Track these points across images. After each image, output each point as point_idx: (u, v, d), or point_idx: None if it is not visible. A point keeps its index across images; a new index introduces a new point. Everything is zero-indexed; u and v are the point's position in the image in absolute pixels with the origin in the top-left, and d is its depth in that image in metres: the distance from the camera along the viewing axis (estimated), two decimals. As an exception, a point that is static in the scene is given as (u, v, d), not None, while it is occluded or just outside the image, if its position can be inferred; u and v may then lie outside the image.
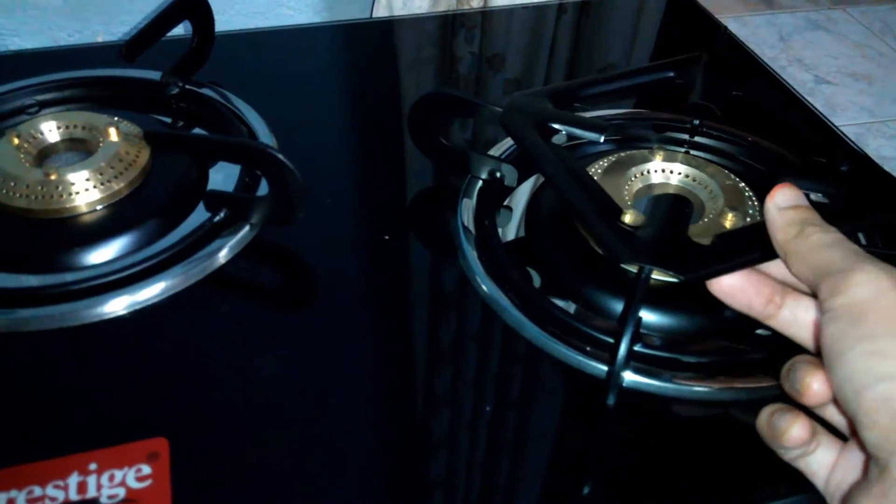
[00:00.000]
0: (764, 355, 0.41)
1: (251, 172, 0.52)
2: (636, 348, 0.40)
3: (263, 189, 0.50)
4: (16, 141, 0.49)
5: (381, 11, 0.79)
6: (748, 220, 0.46)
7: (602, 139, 0.49)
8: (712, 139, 0.56)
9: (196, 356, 0.43)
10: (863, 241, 0.49)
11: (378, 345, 0.45)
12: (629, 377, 0.40)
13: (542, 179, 0.53)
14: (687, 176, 0.50)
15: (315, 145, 0.58)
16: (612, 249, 0.42)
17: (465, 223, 0.49)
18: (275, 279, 0.49)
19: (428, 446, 0.39)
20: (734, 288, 0.31)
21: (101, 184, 0.47)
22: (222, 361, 0.42)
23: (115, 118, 0.52)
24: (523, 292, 0.45)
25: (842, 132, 0.59)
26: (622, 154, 0.51)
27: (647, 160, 0.51)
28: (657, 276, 0.42)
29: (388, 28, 0.74)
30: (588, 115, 0.55)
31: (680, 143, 0.56)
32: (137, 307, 0.44)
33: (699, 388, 0.40)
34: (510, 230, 0.50)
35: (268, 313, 0.46)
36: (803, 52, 1.37)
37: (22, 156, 0.49)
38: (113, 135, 0.50)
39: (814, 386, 0.28)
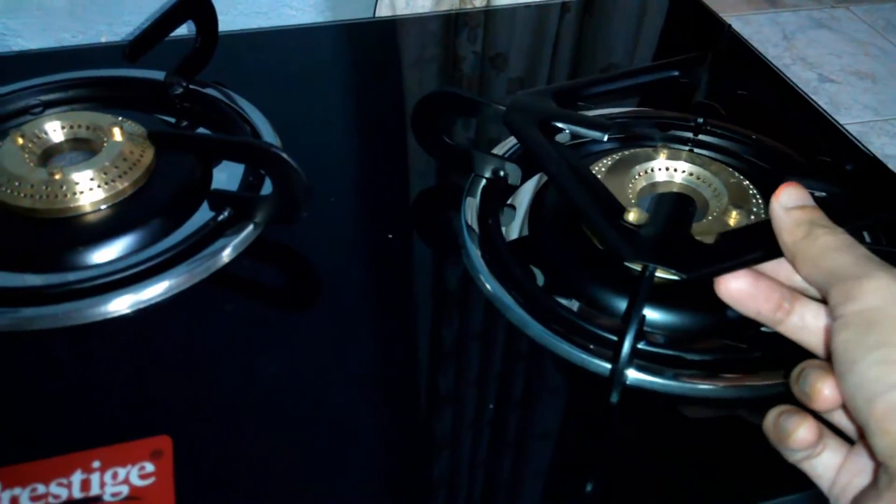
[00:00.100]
0: (767, 353, 0.41)
1: (255, 172, 0.52)
2: (640, 346, 0.40)
3: (267, 188, 0.50)
4: (20, 141, 0.49)
5: (383, 11, 0.79)
6: (752, 218, 0.46)
7: (605, 138, 0.49)
8: (716, 137, 0.56)
9: (199, 355, 0.43)
10: (867, 239, 0.49)
11: (382, 343, 0.45)
12: (633, 375, 0.40)
13: (545, 178, 0.53)
14: (691, 174, 0.50)
15: (318, 144, 0.58)
16: (616, 248, 0.42)
17: (469, 222, 0.49)
18: (278, 278, 0.49)
19: (432, 444, 0.39)
20: (743, 293, 0.31)
21: (106, 183, 0.48)
22: (226, 360, 0.42)
23: (119, 118, 0.52)
24: (527, 291, 0.45)
25: (846, 130, 0.59)
26: (626, 152, 0.51)
27: (650, 158, 0.50)
28: (661, 274, 0.42)
29: (390, 27, 0.74)
30: (591, 113, 0.55)
31: (684, 141, 0.56)
32: (141, 306, 0.44)
33: (703, 386, 0.40)
34: (513, 229, 0.50)
35: (271, 312, 0.46)
36: (807, 51, 1.37)
37: (26, 155, 0.49)
38: (117, 134, 0.50)
39: (825, 391, 0.28)
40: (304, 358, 0.42)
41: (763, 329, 0.43)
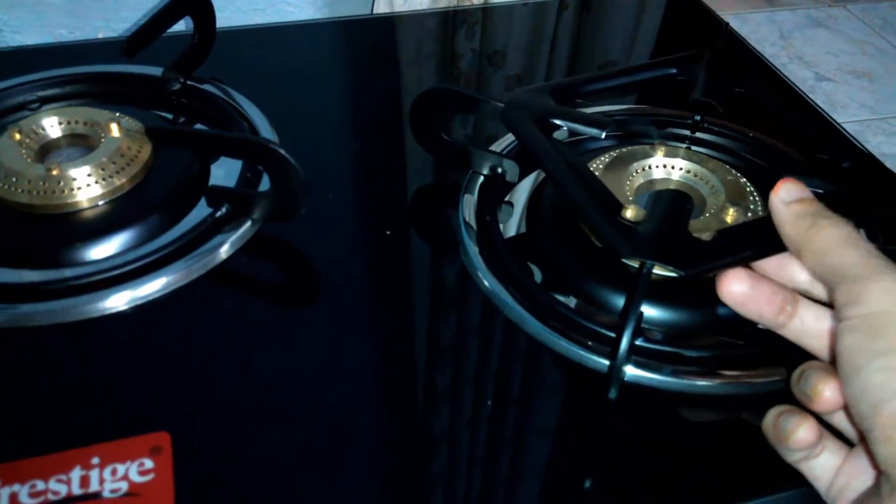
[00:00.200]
0: (765, 349, 0.41)
1: (253, 168, 0.52)
2: (638, 342, 0.41)
3: (265, 185, 0.50)
4: (17, 136, 0.49)
5: (381, 8, 0.79)
6: (749, 215, 0.46)
7: (603, 135, 0.49)
8: (714, 135, 0.56)
9: (197, 351, 0.43)
10: (864, 236, 0.49)
11: (380, 340, 0.45)
12: (631, 371, 0.40)
13: (543, 175, 0.53)
14: (688, 171, 0.50)
15: (316, 141, 0.58)
16: (614, 244, 0.42)
17: (467, 219, 0.49)
18: (276, 274, 0.49)
19: (430, 441, 0.39)
20: (744, 296, 0.31)
21: (103, 179, 0.48)
22: (224, 356, 0.42)
23: (117, 114, 0.52)
24: (525, 287, 0.45)
25: (843, 129, 0.59)
26: (623, 150, 0.51)
27: (648, 156, 0.51)
28: (658, 271, 0.42)
29: (388, 24, 0.74)
30: (589, 111, 0.55)
31: (681, 138, 0.56)
32: (139, 302, 0.44)
33: (701, 383, 0.41)
34: (511, 226, 0.50)
35: (269, 309, 0.46)
36: (804, 50, 1.37)
37: (24, 151, 0.49)
38: (114, 130, 0.50)
39: (826, 393, 0.28)
40: (302, 354, 0.42)
41: (761, 326, 0.43)
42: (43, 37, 0.75)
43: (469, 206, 0.50)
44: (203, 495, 0.36)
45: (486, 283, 0.46)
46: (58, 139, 0.51)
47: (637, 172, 0.50)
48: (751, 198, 0.47)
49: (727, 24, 0.63)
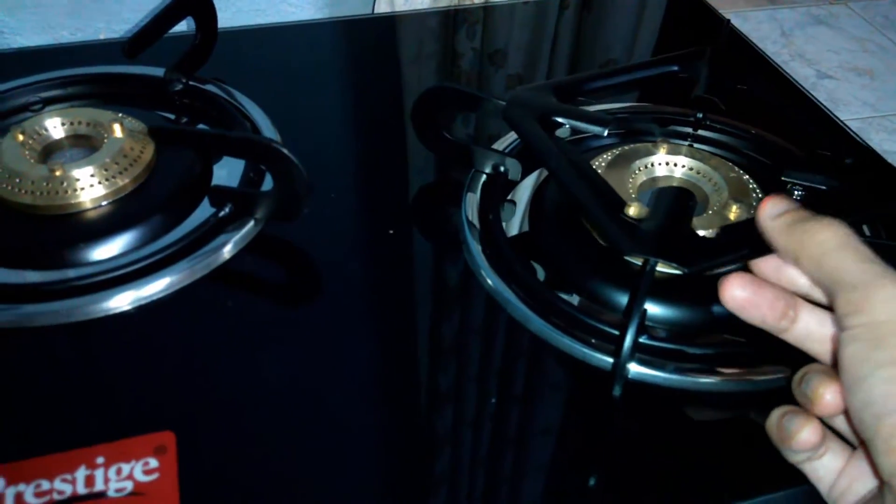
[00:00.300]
0: (769, 347, 0.41)
1: (255, 168, 0.52)
2: (642, 340, 0.41)
3: (268, 184, 0.50)
4: (20, 137, 0.49)
5: (382, 7, 0.79)
6: (752, 212, 0.46)
7: (606, 132, 0.49)
8: (716, 132, 0.56)
9: (201, 351, 0.43)
10: (867, 232, 0.49)
11: (383, 339, 0.45)
12: (635, 369, 0.40)
13: (545, 173, 0.53)
14: (691, 169, 0.50)
15: (318, 141, 0.58)
16: (617, 242, 0.42)
17: (470, 217, 0.49)
18: (279, 274, 0.49)
19: (434, 439, 0.39)
20: (746, 301, 0.30)
21: (106, 180, 0.48)
22: (227, 356, 0.42)
23: (120, 114, 0.52)
24: (528, 286, 0.45)
25: (845, 125, 0.59)
26: (626, 147, 0.51)
27: (650, 153, 0.51)
28: (662, 268, 0.42)
29: (389, 24, 0.74)
30: (591, 109, 0.55)
31: (683, 136, 0.56)
32: (142, 303, 0.44)
33: (705, 380, 0.41)
34: (514, 224, 0.50)
35: (273, 308, 0.46)
36: (805, 47, 1.37)
37: (27, 152, 0.49)
38: (117, 131, 0.50)
39: (826, 397, 0.28)
40: (305, 354, 0.42)
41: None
42: (44, 38, 0.75)
43: (472, 204, 0.50)
44: (208, 494, 0.36)
45: (489, 281, 0.46)
46: (61, 140, 0.51)
47: (640, 170, 0.50)
48: (753, 195, 0.47)
49: (728, 21, 0.63)
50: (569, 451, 0.40)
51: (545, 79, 0.67)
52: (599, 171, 0.48)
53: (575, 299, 0.45)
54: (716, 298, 0.31)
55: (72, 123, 0.51)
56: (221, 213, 0.48)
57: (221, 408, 0.40)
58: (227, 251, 0.47)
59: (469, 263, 0.47)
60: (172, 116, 0.58)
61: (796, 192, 0.49)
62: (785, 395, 0.30)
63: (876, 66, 1.35)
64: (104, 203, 0.48)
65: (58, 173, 0.47)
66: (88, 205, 0.47)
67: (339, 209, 0.52)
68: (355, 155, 0.58)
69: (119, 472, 0.35)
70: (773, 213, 0.30)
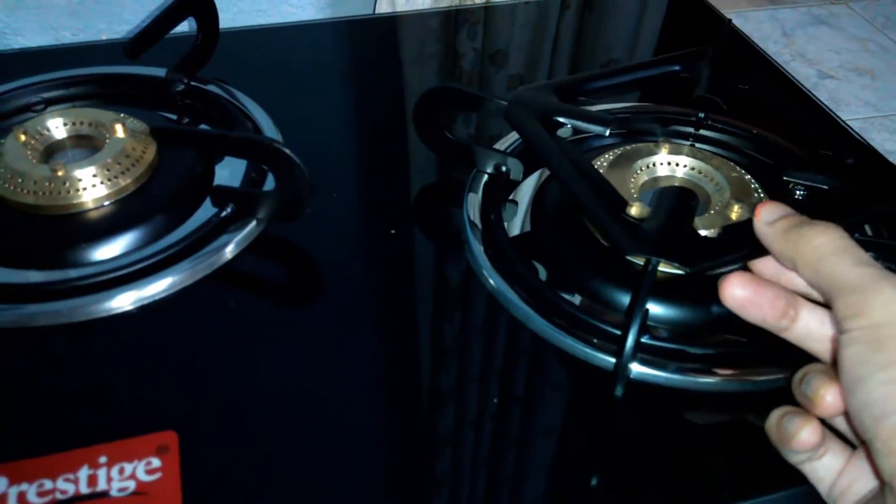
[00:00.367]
0: (770, 347, 0.41)
1: (257, 168, 0.52)
2: (644, 340, 0.41)
3: (270, 184, 0.50)
4: (23, 138, 0.49)
5: (383, 7, 0.79)
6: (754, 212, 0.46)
7: (607, 132, 0.49)
8: (717, 132, 0.56)
9: (203, 351, 0.43)
10: (869, 232, 0.49)
11: (385, 339, 0.45)
12: (637, 369, 0.40)
13: (547, 173, 0.53)
14: (692, 168, 0.50)
15: (320, 141, 0.58)
16: (618, 241, 0.42)
17: (471, 217, 0.49)
18: (281, 274, 0.49)
19: (436, 439, 0.39)
20: (747, 301, 0.31)
21: (108, 180, 0.48)
22: (229, 356, 0.42)
23: (121, 115, 0.52)
24: (530, 285, 0.45)
25: (847, 125, 0.59)
26: (627, 147, 0.51)
27: (652, 153, 0.51)
28: (664, 268, 0.42)
29: (390, 24, 0.74)
30: (593, 108, 0.55)
31: (685, 136, 0.56)
32: (144, 302, 0.44)
33: (706, 380, 0.41)
34: (516, 224, 0.50)
35: (275, 308, 0.46)
36: (806, 47, 1.37)
37: (29, 152, 0.49)
38: (119, 131, 0.50)
39: (827, 398, 0.28)
40: (307, 353, 0.43)
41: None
42: (46, 39, 0.75)
43: (473, 204, 0.50)
44: (210, 494, 0.36)
45: (491, 281, 0.46)
46: (63, 140, 0.51)
47: (641, 170, 0.50)
48: (755, 194, 0.47)
49: (730, 21, 0.63)
50: (570, 451, 0.40)
51: (546, 79, 0.67)
52: (601, 170, 0.48)
53: (577, 299, 0.45)
54: (717, 298, 0.31)
55: (74, 124, 0.51)
56: (223, 213, 0.48)
57: (224, 407, 0.40)
58: (229, 251, 0.47)
59: (471, 263, 0.47)
60: (174, 117, 0.58)
61: (798, 192, 0.50)
62: (785, 396, 0.31)
63: (877, 65, 1.35)
64: (106, 203, 0.48)
65: (60, 173, 0.47)
66: (90, 205, 0.47)
67: (341, 209, 0.52)
68: (357, 155, 0.58)
69: (122, 471, 0.35)
70: (768, 219, 0.30)
